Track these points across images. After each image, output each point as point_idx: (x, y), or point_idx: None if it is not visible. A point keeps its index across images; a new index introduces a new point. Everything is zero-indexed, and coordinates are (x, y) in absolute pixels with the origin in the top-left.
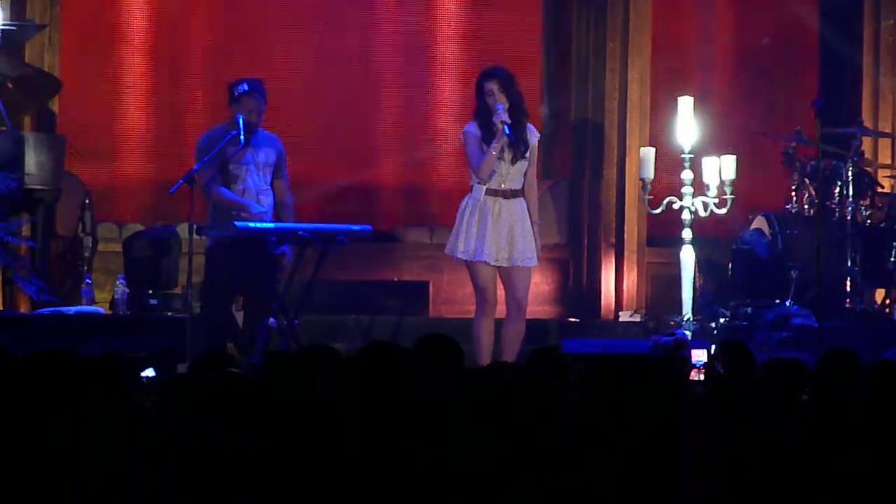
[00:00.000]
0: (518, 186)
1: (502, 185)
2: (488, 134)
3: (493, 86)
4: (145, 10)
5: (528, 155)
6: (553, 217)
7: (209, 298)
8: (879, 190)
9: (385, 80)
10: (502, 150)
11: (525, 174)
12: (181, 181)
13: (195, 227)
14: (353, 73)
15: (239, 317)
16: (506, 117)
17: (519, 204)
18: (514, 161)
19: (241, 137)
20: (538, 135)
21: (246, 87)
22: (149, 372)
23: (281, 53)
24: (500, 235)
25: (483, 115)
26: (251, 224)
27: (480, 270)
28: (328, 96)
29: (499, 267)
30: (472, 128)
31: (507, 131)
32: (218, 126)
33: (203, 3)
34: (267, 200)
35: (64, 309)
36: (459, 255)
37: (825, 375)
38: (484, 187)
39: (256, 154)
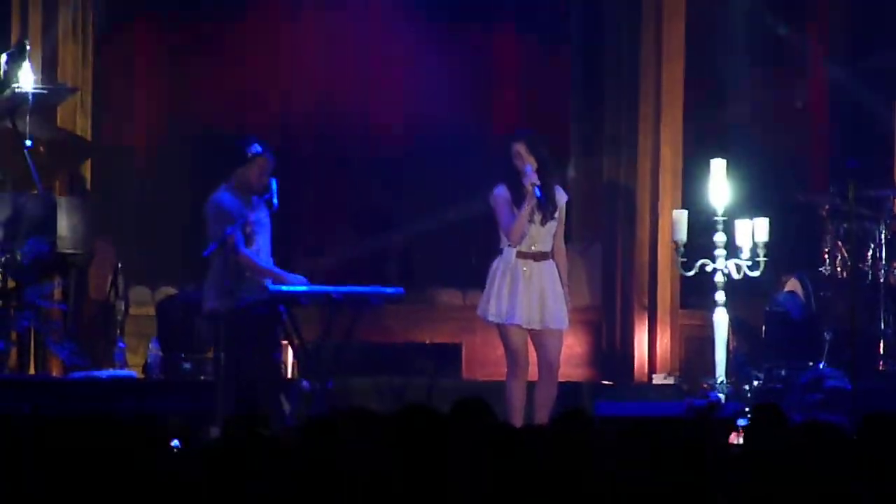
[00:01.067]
0: (548, 248)
1: (532, 248)
2: (518, 196)
3: (520, 147)
4: None
5: (556, 215)
6: (584, 278)
7: (237, 361)
8: None
9: (417, 143)
10: (532, 212)
11: (554, 235)
12: (214, 245)
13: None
14: (383, 133)
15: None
16: (535, 179)
17: (549, 266)
18: (543, 222)
19: (275, 201)
20: (566, 196)
21: (259, 147)
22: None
23: (312, 113)
24: (531, 298)
25: (512, 176)
26: (284, 287)
27: (512, 333)
28: (356, 157)
29: (530, 329)
30: (502, 190)
31: (538, 193)
32: (228, 187)
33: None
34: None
35: (96, 372)
36: (491, 318)
37: (867, 439)
38: (514, 249)
39: (262, 215)
